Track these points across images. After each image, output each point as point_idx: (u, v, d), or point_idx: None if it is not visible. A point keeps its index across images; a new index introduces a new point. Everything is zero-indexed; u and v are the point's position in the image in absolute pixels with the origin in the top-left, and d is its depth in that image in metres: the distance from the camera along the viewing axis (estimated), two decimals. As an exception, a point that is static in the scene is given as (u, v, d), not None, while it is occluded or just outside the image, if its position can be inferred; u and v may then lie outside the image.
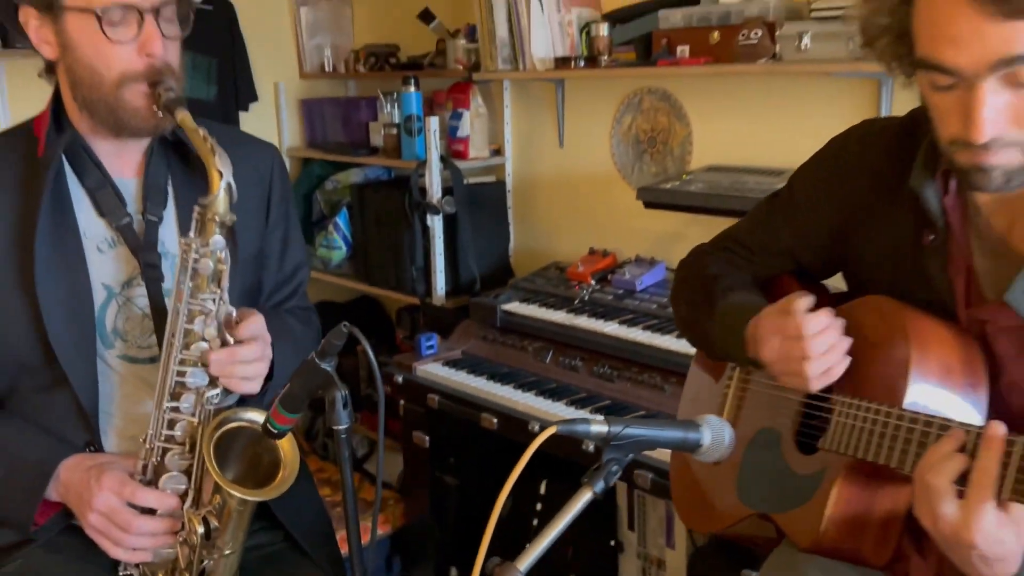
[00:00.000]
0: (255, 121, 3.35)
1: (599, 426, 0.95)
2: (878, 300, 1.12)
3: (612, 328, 2.21)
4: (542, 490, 2.46)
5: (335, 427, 1.01)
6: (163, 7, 1.29)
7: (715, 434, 1.00)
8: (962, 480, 0.90)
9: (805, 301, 1.10)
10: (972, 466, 0.89)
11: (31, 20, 1.29)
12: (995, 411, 1.04)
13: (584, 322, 2.28)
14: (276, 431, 1.12)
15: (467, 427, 2.29)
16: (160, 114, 1.29)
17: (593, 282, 2.46)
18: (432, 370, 2.40)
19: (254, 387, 1.30)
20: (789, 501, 1.14)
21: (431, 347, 2.48)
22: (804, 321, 1.07)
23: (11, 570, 1.31)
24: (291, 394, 1.08)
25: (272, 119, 3.47)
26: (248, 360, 1.29)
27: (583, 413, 2.09)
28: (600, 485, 0.95)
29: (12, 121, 2.71)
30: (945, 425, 0.94)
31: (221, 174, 1.25)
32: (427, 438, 2.43)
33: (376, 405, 3.24)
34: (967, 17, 0.89)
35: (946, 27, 0.92)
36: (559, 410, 2.11)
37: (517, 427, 2.14)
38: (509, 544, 2.38)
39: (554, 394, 2.18)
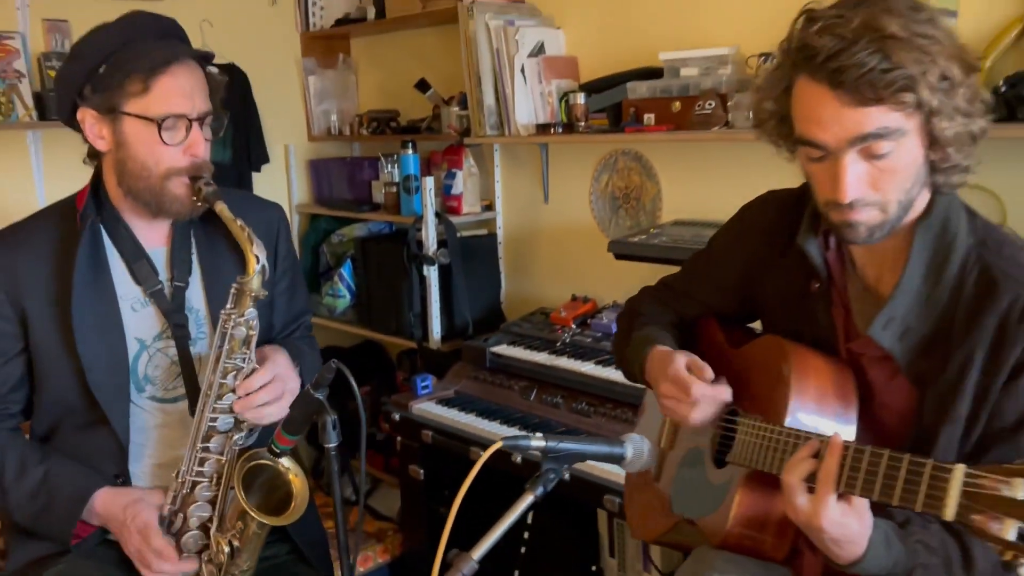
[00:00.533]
0: (267, 180, 3.58)
1: (538, 441, 1.18)
2: (772, 338, 1.35)
3: (589, 368, 2.41)
4: (528, 520, 2.66)
5: (326, 445, 1.24)
6: (205, 117, 1.54)
7: (636, 449, 1.22)
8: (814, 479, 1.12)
9: (682, 360, 1.36)
10: (819, 467, 1.11)
11: (88, 118, 1.52)
12: (869, 427, 1.26)
13: (564, 362, 2.49)
14: (279, 450, 1.35)
15: (460, 461, 2.46)
16: (199, 204, 1.52)
17: (574, 326, 2.68)
18: (426, 408, 2.60)
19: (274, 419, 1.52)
20: (707, 507, 1.35)
21: (426, 387, 2.69)
22: (694, 387, 1.33)
23: (53, 573, 1.52)
24: (291, 419, 1.31)
25: (283, 178, 3.70)
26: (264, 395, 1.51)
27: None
28: (540, 490, 1.18)
29: (45, 185, 3.02)
30: (808, 437, 1.17)
31: (258, 259, 1.49)
32: (422, 471, 2.63)
33: (380, 445, 3.45)
34: (830, 105, 1.14)
35: (814, 112, 1.16)
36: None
37: (503, 459, 2.34)
38: (502, 567, 2.57)
39: (536, 428, 2.37)
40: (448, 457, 2.53)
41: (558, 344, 2.61)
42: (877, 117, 1.12)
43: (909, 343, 1.21)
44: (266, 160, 3.57)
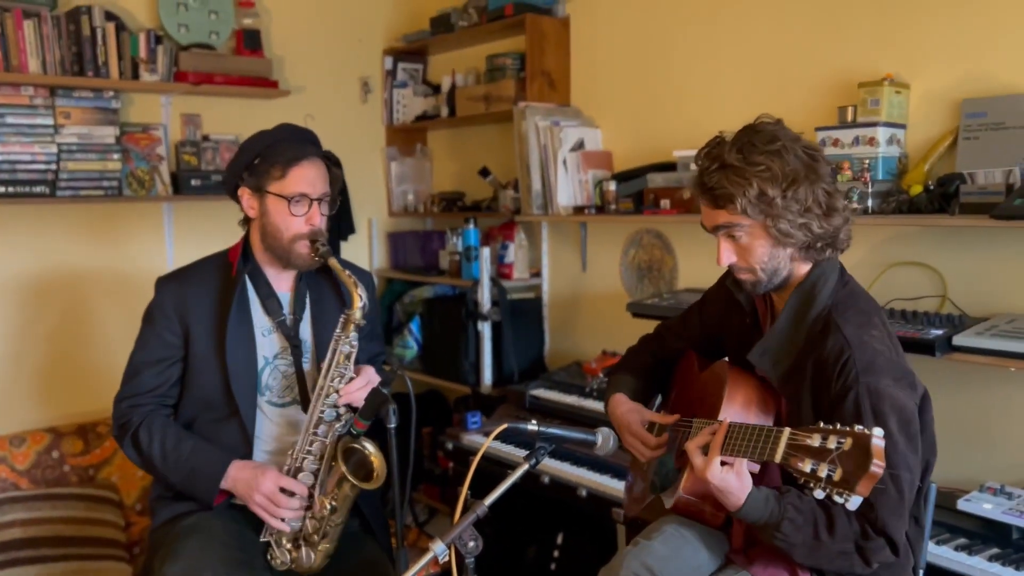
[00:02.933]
0: (353, 248, 4.17)
1: (532, 425, 1.68)
2: (720, 363, 1.84)
3: (609, 408, 2.90)
4: (559, 540, 3.10)
5: (387, 425, 1.77)
6: (323, 197, 2.11)
7: (604, 437, 1.72)
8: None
9: (637, 419, 1.91)
10: (712, 440, 1.57)
11: (245, 194, 2.10)
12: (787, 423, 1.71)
13: (590, 404, 2.99)
14: (356, 432, 1.89)
15: (499, 482, 2.95)
16: (316, 260, 2.06)
17: (601, 375, 3.17)
18: (474, 439, 3.11)
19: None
20: (668, 483, 1.83)
21: (475, 422, 3.19)
22: (649, 441, 1.89)
23: (189, 522, 2.04)
24: (364, 409, 1.85)
25: (366, 247, 4.28)
26: (360, 389, 2.02)
27: (573, 467, 2.78)
28: (533, 461, 1.68)
29: (176, 247, 3.69)
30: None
31: (360, 297, 2.03)
32: (469, 493, 3.11)
33: (437, 478, 3.92)
34: (703, 205, 1.71)
35: (702, 209, 1.72)
36: (565, 467, 2.80)
37: (534, 480, 2.83)
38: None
39: (563, 457, 2.86)
40: (491, 480, 3.00)
41: (586, 389, 3.11)
42: (722, 215, 1.68)
43: (779, 369, 1.70)
44: (352, 231, 4.13)
